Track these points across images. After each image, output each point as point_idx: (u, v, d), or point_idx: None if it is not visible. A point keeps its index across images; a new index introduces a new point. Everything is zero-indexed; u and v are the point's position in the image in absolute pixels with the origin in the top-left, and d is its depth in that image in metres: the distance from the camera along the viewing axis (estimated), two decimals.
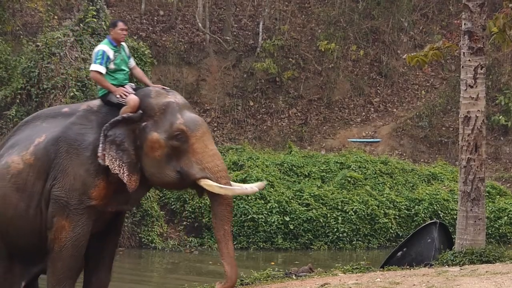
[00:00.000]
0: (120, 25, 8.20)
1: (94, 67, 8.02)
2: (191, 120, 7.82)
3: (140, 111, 7.81)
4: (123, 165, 7.72)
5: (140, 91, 8.00)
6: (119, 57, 8.15)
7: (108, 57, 8.05)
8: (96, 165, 7.69)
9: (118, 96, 7.91)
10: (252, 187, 8.04)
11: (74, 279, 7.94)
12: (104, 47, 8.08)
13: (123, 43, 8.26)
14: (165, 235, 18.22)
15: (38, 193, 7.88)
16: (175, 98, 7.95)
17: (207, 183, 7.66)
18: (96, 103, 8.13)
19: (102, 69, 8.01)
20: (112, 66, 8.08)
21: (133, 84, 8.18)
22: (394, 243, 18.13)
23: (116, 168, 7.68)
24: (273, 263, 16.14)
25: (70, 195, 7.75)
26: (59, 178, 7.80)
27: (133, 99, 7.85)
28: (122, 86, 8.03)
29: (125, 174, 7.70)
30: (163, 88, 8.08)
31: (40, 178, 7.88)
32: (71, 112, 8.10)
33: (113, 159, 7.69)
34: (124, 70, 8.18)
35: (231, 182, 7.93)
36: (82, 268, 8.00)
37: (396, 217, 19.29)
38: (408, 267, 10.03)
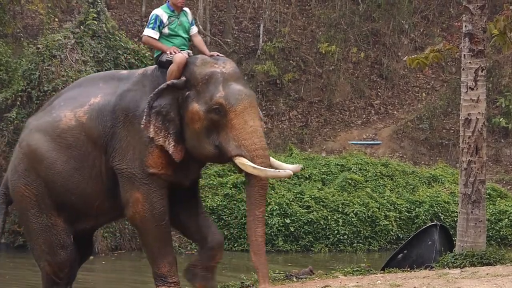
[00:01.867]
0: None
1: (146, 31, 7.89)
2: (232, 93, 7.47)
3: (184, 78, 7.60)
4: (169, 135, 7.53)
5: (189, 58, 7.74)
6: (175, 22, 7.94)
7: (161, 21, 7.86)
8: None
9: (168, 53, 7.70)
10: (286, 171, 7.56)
11: (169, 248, 7.82)
12: (158, 11, 7.90)
13: (186, 10, 8.12)
14: None
15: (95, 159, 7.80)
16: (223, 67, 7.63)
17: (240, 161, 7.37)
18: (152, 67, 7.99)
19: (153, 33, 7.84)
20: (166, 30, 7.88)
21: (190, 52, 7.90)
22: (394, 245, 18.11)
23: (160, 139, 7.50)
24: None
25: (132, 165, 7.64)
26: (118, 149, 7.72)
27: (179, 56, 7.63)
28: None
29: (171, 145, 7.51)
30: (216, 56, 7.80)
31: (95, 143, 7.79)
32: (128, 76, 7.99)
33: (159, 130, 7.50)
34: (181, 36, 7.94)
35: (276, 162, 7.65)
36: (171, 238, 7.89)
37: (397, 219, 19.28)
38: (408, 269, 10.03)
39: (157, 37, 7.85)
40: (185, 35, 7.99)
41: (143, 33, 7.94)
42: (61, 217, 8.06)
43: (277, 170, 7.49)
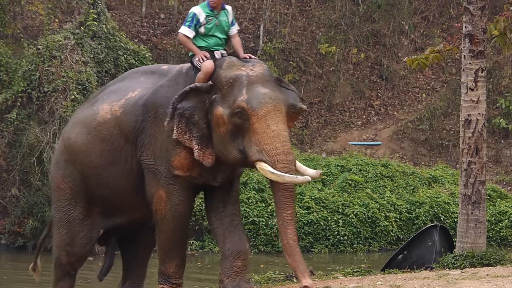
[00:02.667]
0: None
1: (182, 29, 7.70)
2: (256, 96, 7.27)
3: (210, 82, 7.43)
4: (193, 138, 7.38)
5: (217, 60, 7.57)
6: (213, 22, 7.70)
7: (198, 20, 7.65)
8: None
9: (197, 59, 7.54)
10: (304, 177, 7.35)
11: (181, 251, 7.75)
12: (197, 9, 7.70)
13: (228, 8, 7.83)
14: None
15: (127, 153, 7.74)
16: (250, 70, 7.45)
17: (261, 166, 7.21)
18: (188, 65, 7.83)
19: (189, 32, 7.65)
20: (202, 30, 7.69)
21: (224, 52, 7.76)
22: (395, 246, 18.12)
23: (186, 141, 7.37)
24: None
25: (158, 162, 7.53)
26: (147, 144, 7.62)
27: (206, 65, 7.47)
28: (211, 51, 7.68)
29: (195, 149, 7.35)
30: (248, 58, 7.65)
31: (127, 138, 7.72)
32: (167, 72, 7.88)
33: (183, 132, 7.36)
34: (217, 36, 7.75)
35: (301, 168, 7.46)
36: (187, 240, 7.73)
37: (397, 220, 19.29)
38: (409, 270, 10.02)
39: (191, 36, 7.68)
40: (222, 36, 7.79)
41: (179, 30, 7.77)
42: (94, 211, 8.07)
43: (295, 176, 7.26)
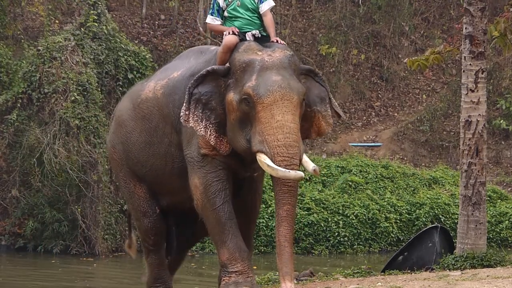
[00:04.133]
0: None
1: (207, 19, 7.41)
2: (264, 83, 6.76)
3: (228, 65, 7.01)
4: (210, 126, 6.95)
5: (240, 42, 7.08)
6: (234, 3, 7.25)
7: (218, 5, 7.29)
8: None
9: (225, 33, 7.13)
10: (297, 172, 6.72)
11: (229, 236, 7.11)
12: None
13: None
14: None
15: (164, 135, 7.44)
16: (267, 56, 6.92)
17: (259, 158, 6.75)
18: None
19: (211, 20, 7.33)
20: (226, 14, 7.28)
21: (256, 32, 7.22)
22: (395, 247, 18.12)
23: (202, 129, 6.94)
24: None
25: (192, 149, 7.15)
26: (184, 133, 7.25)
27: (227, 39, 7.05)
28: (244, 33, 7.20)
29: (212, 136, 6.93)
30: (275, 42, 7.09)
31: (165, 119, 7.44)
32: (208, 53, 7.52)
33: (199, 120, 6.94)
34: (242, 16, 7.23)
35: (306, 163, 6.85)
36: (234, 224, 7.15)
37: (397, 221, 19.28)
38: (409, 271, 10.02)
39: (218, 23, 7.33)
40: (250, 14, 7.24)
41: (206, 20, 7.52)
42: (141, 187, 7.85)
43: (288, 171, 6.68)
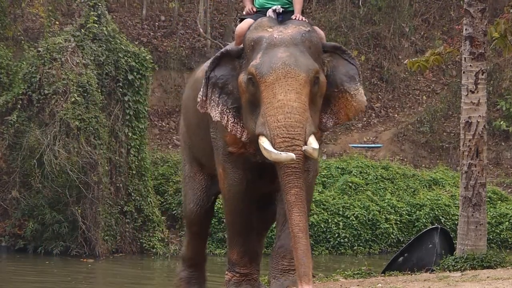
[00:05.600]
0: None
1: None
2: (267, 61, 6.24)
3: (241, 45, 6.54)
4: (228, 111, 6.48)
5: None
6: None
7: None
8: None
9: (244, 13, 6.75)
10: (288, 154, 6.10)
11: (241, 238, 6.90)
12: None
13: None
14: (166, 240, 18.21)
15: (204, 121, 6.98)
16: (278, 32, 6.39)
17: (260, 142, 6.21)
18: None
19: None
20: None
21: (277, 7, 6.66)
22: (395, 248, 18.12)
23: (218, 115, 6.47)
24: None
25: (219, 136, 6.76)
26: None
27: (238, 27, 6.66)
28: (264, 10, 6.70)
29: (230, 122, 6.46)
30: (293, 19, 6.55)
31: None
32: None
33: (216, 105, 6.48)
34: None
35: (312, 141, 6.21)
36: (250, 228, 6.88)
37: (397, 222, 19.29)
38: (409, 272, 10.02)
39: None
40: None
41: None
42: (200, 171, 7.53)
43: (279, 153, 6.09)
